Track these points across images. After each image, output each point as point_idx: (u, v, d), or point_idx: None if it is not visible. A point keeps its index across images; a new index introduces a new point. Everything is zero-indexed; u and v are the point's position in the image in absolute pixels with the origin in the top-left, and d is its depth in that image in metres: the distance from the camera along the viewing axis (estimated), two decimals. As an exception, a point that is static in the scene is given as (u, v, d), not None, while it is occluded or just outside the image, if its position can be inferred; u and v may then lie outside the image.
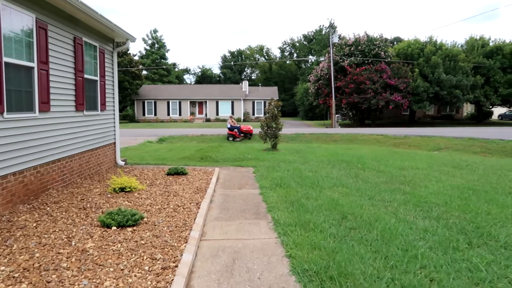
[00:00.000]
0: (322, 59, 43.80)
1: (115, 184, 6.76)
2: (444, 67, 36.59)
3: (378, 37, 39.25)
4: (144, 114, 49.02)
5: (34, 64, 5.96)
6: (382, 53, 37.62)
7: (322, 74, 39.78)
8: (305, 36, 79.65)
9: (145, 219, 5.08)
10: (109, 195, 6.52)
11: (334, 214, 5.69)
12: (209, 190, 7.20)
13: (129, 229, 4.60)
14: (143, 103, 49.01)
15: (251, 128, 22.86)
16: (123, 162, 10.22)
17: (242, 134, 21.84)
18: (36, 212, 5.36)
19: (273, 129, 15.66)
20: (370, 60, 37.40)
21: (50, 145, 6.55)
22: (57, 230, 4.58)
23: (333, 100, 36.99)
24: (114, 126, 9.89)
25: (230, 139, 22.10)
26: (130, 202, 6.04)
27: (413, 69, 37.13)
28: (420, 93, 36.17)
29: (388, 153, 15.82)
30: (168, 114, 48.89)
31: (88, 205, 5.81)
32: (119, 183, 6.75)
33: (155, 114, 48.90)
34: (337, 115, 37.90)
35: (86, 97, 8.01)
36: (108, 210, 4.96)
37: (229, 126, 22.41)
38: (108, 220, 4.63)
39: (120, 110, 52.10)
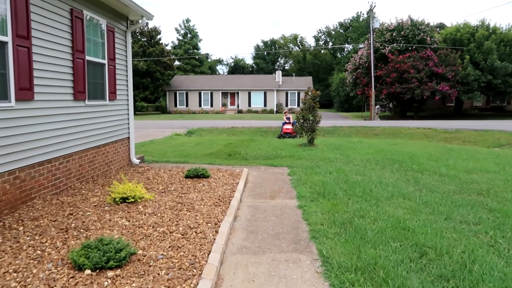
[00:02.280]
0: (361, 46, 41.15)
1: (116, 193, 5.35)
2: (498, 53, 33.20)
3: (422, 21, 36.15)
4: (176, 105, 48.33)
5: (7, 38, 4.59)
6: (428, 38, 34.57)
7: (360, 62, 37.26)
8: (341, 24, 76.36)
9: (139, 252, 3.59)
10: (106, 208, 5.12)
11: (407, 248, 3.98)
12: (234, 201, 5.65)
13: (110, 273, 3.12)
14: (175, 94, 48.30)
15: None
16: (139, 160, 8.88)
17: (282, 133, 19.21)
18: (0, 235, 4.01)
19: (310, 122, 13.90)
20: (414, 47, 34.50)
21: (34, 143, 5.22)
22: (10, 271, 3.19)
23: (373, 90, 34.49)
24: (128, 119, 8.54)
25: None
26: (129, 221, 4.59)
27: (463, 56, 33.88)
28: (470, 82, 33.01)
29: (443, 150, 13.69)
30: (200, 105, 47.93)
31: (73, 225, 4.42)
32: (121, 192, 5.34)
33: (187, 105, 48.09)
34: (376, 107, 35.37)
35: (89, 83, 6.65)
36: (87, 242, 3.49)
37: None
38: (81, 258, 3.17)
39: (153, 101, 51.79)
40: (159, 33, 47.04)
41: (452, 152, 13.02)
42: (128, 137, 8.59)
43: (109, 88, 7.40)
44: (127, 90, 8.41)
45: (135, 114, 44.50)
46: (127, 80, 8.37)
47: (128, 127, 8.55)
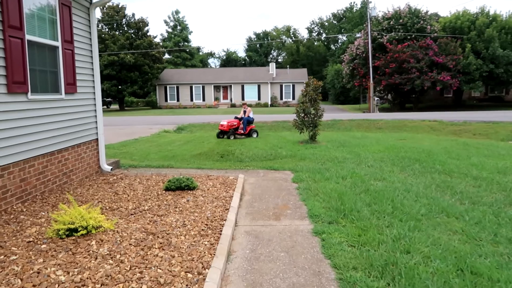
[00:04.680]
0: (358, 35, 39.49)
1: (60, 223, 3.81)
2: (500, 41, 31.78)
3: (420, 9, 34.61)
4: (166, 100, 46.48)
5: None
6: (428, 27, 33.09)
7: (358, 52, 35.70)
8: (334, 15, 74.67)
9: None
10: (42, 246, 3.58)
11: (501, 318, 2.52)
12: (227, 228, 4.14)
13: None
14: (165, 88, 46.43)
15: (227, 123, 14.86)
16: (111, 167, 7.31)
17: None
18: None
19: (312, 116, 12.43)
20: (413, 36, 33.00)
21: None
22: None
23: (371, 81, 33.02)
24: (95, 116, 6.96)
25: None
26: (68, 272, 3.05)
27: (463, 44, 32.43)
28: (471, 72, 31.61)
29: (458, 145, 12.31)
30: (192, 100, 46.12)
31: (-21, 283, 2.88)
32: (67, 221, 3.79)
33: (178, 100, 46.25)
34: (376, 99, 33.92)
35: (33, 72, 5.07)
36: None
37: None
38: None
39: (143, 96, 49.84)
40: (147, 25, 45.01)
41: (470, 148, 11.64)
42: (96, 139, 7.01)
43: (66, 78, 5.81)
44: (93, 81, 6.81)
45: (123, 110, 42.48)
46: (92, 69, 6.78)
47: (96, 127, 6.97)
